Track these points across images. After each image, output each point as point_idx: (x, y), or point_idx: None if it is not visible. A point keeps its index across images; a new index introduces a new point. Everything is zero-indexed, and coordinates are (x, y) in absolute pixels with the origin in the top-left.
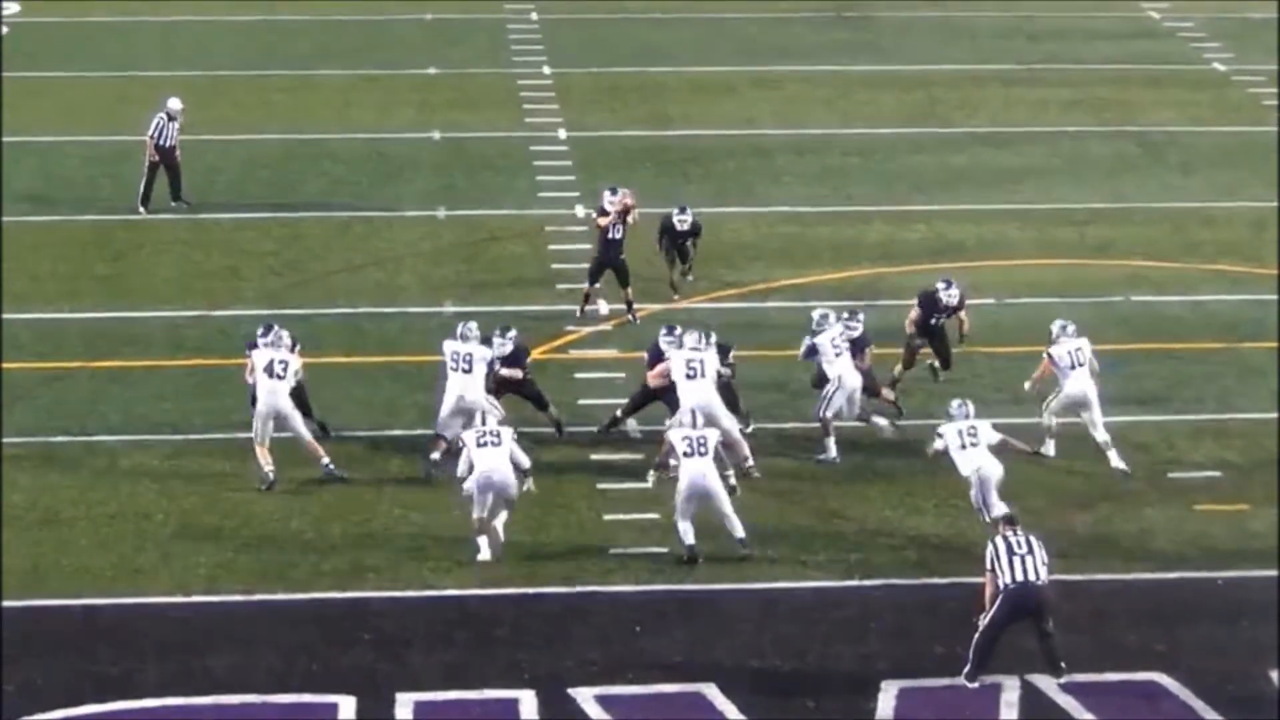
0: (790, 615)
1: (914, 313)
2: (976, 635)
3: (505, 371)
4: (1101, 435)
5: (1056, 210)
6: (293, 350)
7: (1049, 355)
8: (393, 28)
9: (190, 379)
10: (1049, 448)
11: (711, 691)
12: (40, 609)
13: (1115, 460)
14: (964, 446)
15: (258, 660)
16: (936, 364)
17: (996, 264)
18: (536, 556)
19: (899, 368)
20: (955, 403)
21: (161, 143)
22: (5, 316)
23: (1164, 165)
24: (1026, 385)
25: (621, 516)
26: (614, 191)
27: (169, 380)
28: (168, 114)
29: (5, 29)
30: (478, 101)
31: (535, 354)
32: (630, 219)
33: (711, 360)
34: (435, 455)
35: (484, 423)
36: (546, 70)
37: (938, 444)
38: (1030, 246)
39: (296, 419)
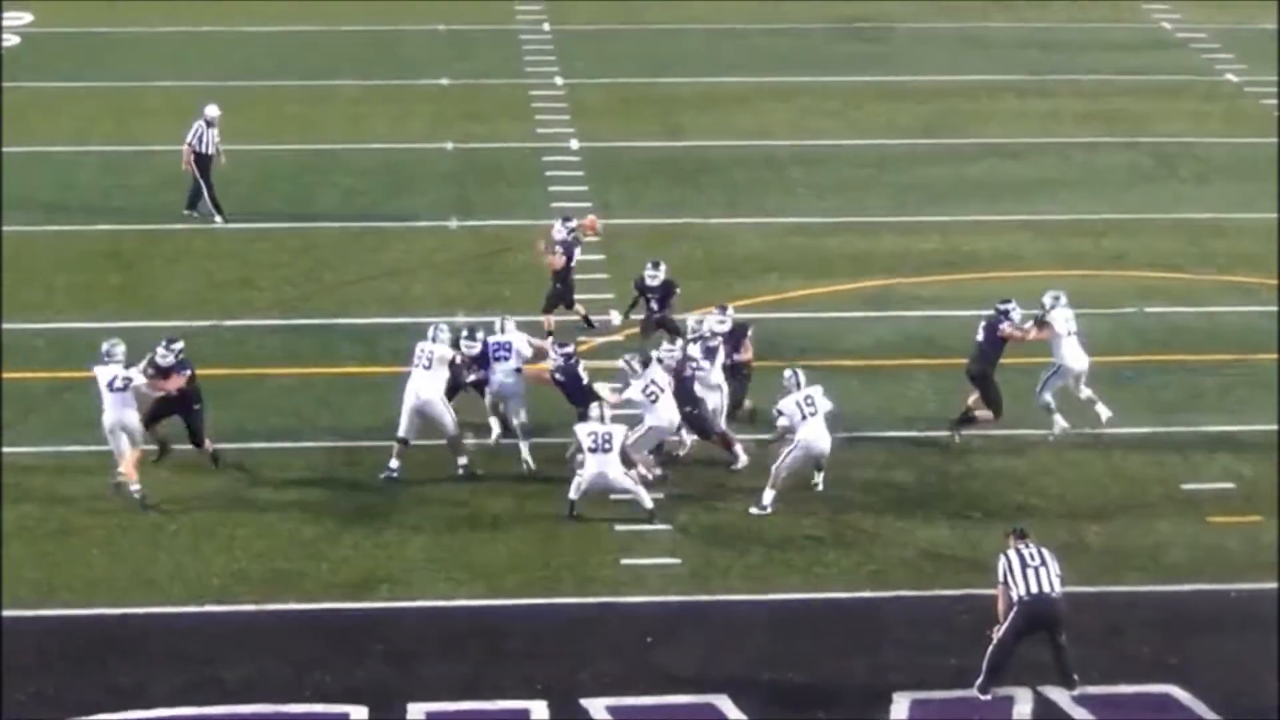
0: (803, 626)
1: (1035, 331)
2: (990, 647)
3: (472, 377)
4: (1087, 393)
5: (1070, 221)
6: (177, 370)
7: (1048, 323)
8: (406, 39)
9: (202, 389)
10: (1060, 424)
11: (723, 703)
12: (53, 619)
13: (1104, 411)
14: (805, 417)
15: (270, 670)
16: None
17: (1010, 275)
18: (548, 567)
19: (976, 405)
20: (787, 374)
21: (202, 150)
22: (19, 326)
23: (1177, 177)
24: (1024, 331)
25: (633, 527)
26: (566, 220)
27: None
28: (206, 120)
29: (16, 39)
30: (490, 112)
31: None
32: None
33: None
34: (394, 463)
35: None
36: (559, 81)
37: (782, 421)
38: (1044, 258)
39: (137, 434)
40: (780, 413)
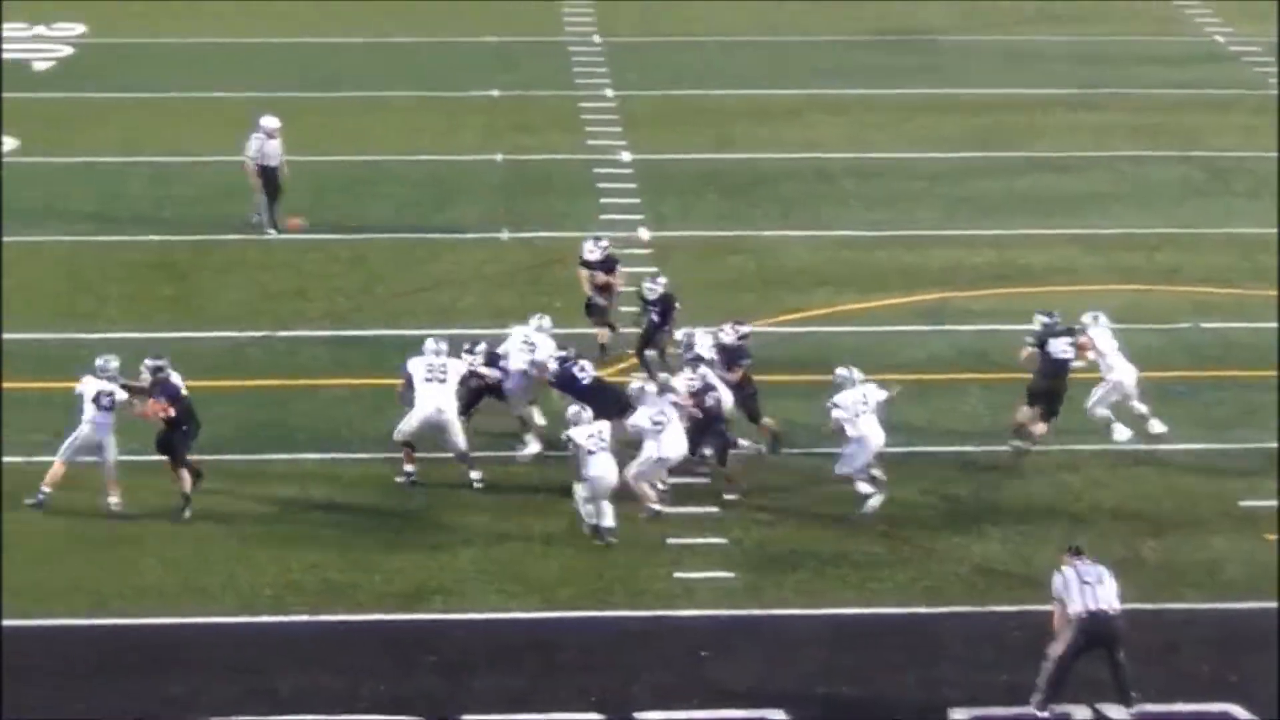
0: (857, 641)
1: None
2: (1048, 664)
3: (486, 372)
4: (1141, 408)
5: (1123, 235)
6: (160, 391)
7: (1089, 337)
8: (455, 50)
9: (255, 400)
10: (1121, 432)
11: (778, 717)
12: (105, 628)
13: (1156, 426)
14: (858, 414)
15: (323, 681)
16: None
17: (1063, 289)
18: (601, 579)
19: (1030, 418)
20: (841, 371)
21: (264, 162)
22: (70, 336)
23: (1230, 190)
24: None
25: (686, 540)
26: (598, 239)
27: (233, 401)
28: (266, 132)
29: (70, 49)
30: (540, 124)
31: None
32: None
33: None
34: (409, 467)
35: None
36: (609, 93)
37: (837, 414)
38: (1097, 271)
39: (111, 453)
40: (836, 405)
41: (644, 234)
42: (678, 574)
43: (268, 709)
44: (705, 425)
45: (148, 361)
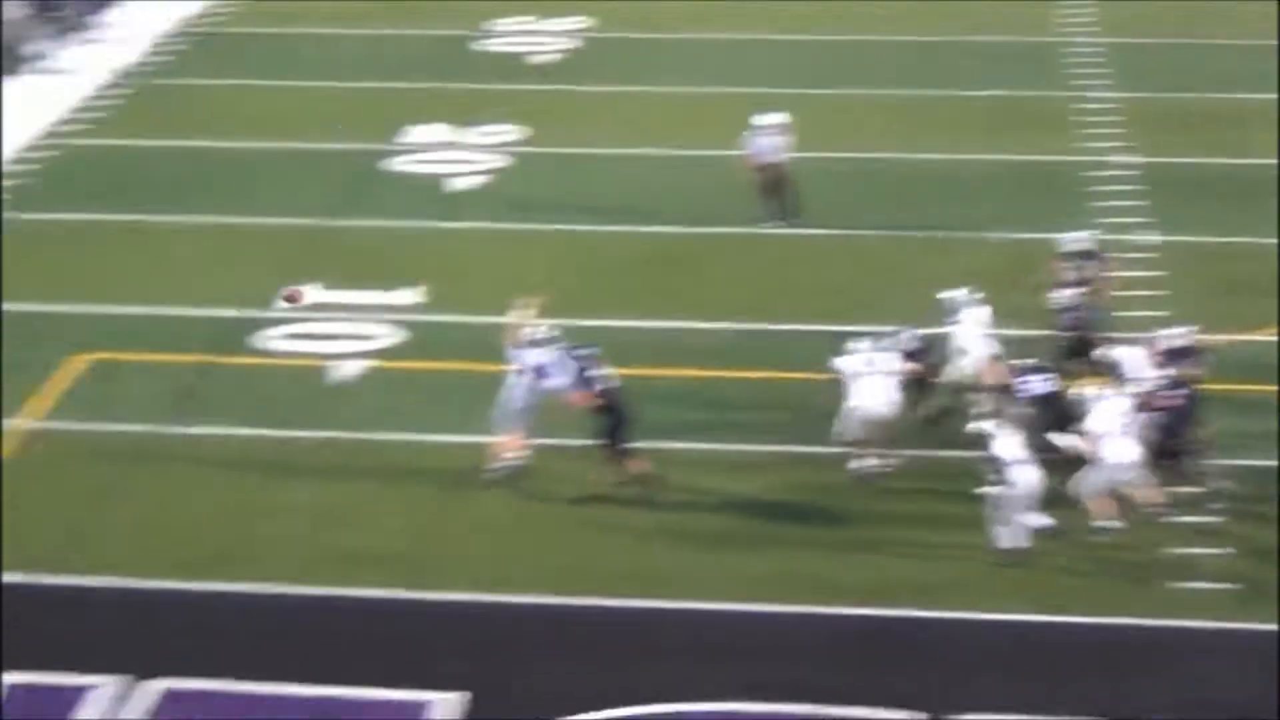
0: None
1: None
2: None
3: (908, 366)
4: None
5: None
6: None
7: None
8: (957, 50)
9: (745, 390)
10: None
11: None
12: (570, 609)
13: None
14: None
15: (802, 672)
16: None
17: None
18: (1099, 589)
19: None
20: None
21: (765, 158)
22: (564, 322)
23: None
24: None
25: (1188, 550)
26: (1078, 240)
27: (726, 389)
28: (767, 128)
29: (580, 42)
30: (1038, 124)
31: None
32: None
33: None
34: (872, 462)
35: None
36: (1111, 95)
37: None
38: None
39: (520, 421)
40: None
41: (1143, 237)
42: (1177, 584)
43: (750, 697)
44: (1167, 433)
45: (574, 352)
